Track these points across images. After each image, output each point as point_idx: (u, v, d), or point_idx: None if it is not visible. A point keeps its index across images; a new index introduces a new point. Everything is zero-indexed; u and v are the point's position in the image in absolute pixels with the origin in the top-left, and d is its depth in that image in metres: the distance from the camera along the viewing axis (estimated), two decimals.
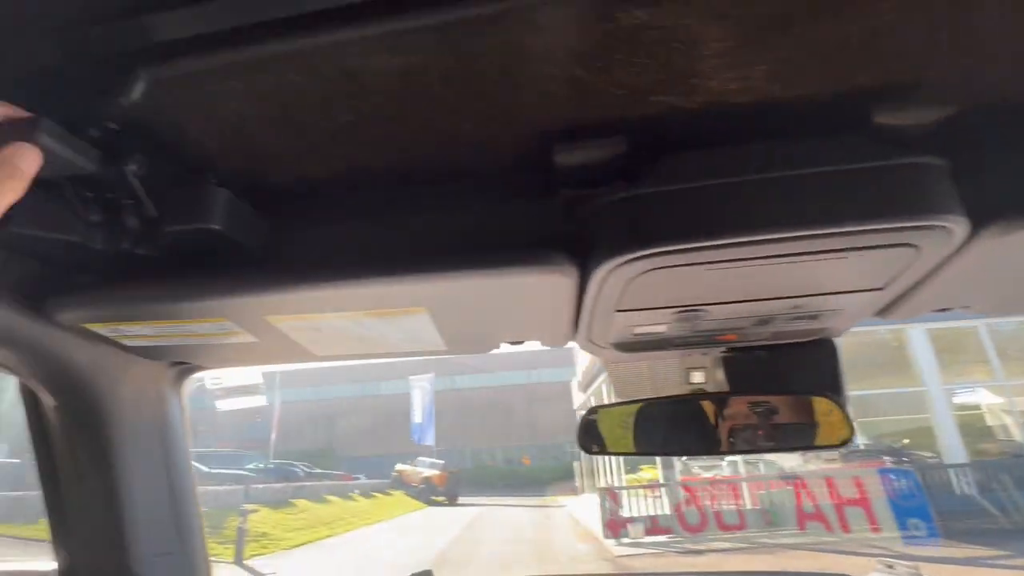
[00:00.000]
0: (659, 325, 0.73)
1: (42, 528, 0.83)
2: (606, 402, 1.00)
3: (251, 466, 19.13)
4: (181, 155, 0.50)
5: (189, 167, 0.51)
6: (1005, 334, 13.87)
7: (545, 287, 0.59)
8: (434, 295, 0.60)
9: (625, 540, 9.70)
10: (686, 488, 10.31)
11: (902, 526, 9.13)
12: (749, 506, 10.06)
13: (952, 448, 12.02)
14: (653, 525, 9.87)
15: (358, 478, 23.36)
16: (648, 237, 0.52)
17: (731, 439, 0.91)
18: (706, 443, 0.93)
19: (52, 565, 0.84)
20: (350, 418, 35.11)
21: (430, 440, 25.72)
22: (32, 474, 0.83)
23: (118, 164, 0.47)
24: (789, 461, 11.27)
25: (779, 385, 0.91)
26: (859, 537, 9.03)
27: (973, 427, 14.70)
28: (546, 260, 0.56)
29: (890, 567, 1.67)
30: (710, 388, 0.98)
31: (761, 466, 12.66)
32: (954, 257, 0.59)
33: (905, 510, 9.34)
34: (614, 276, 0.56)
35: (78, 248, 0.53)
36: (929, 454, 13.11)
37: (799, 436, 0.88)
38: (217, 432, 25.33)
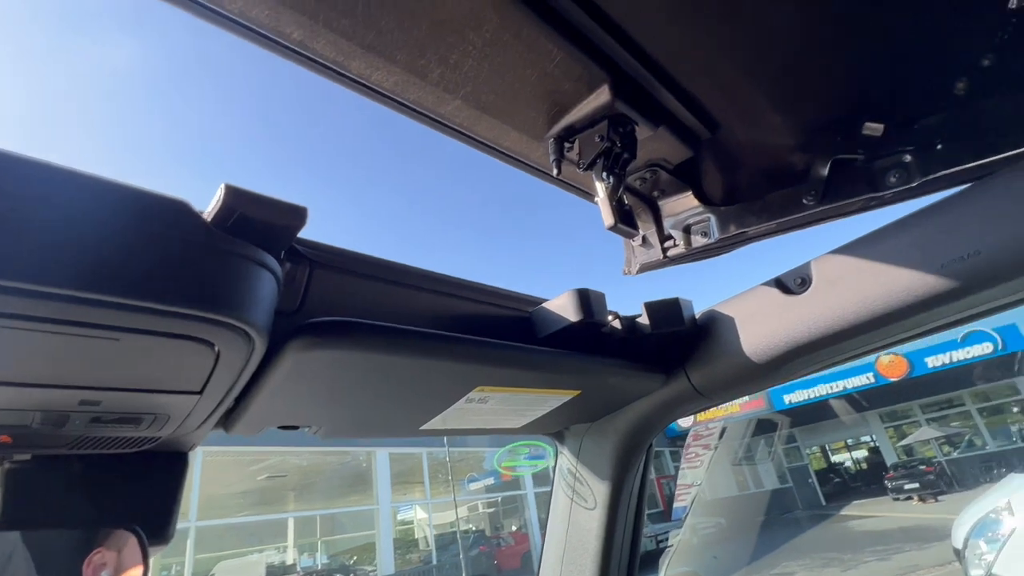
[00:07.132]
0: None
1: None
2: None
3: None
4: None
5: None
6: (437, 460, 17.94)
7: None
8: None
9: None
10: None
11: None
12: None
13: (386, 561, 13.94)
14: None
15: None
16: None
17: None
18: None
19: None
20: None
21: None
22: None
23: None
24: None
25: (97, 508, 0.69)
26: None
27: (406, 540, 17.67)
28: None
29: None
30: None
31: None
32: (281, 373, 0.57)
33: None
34: None
35: None
36: (371, 568, 14.76)
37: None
38: None
